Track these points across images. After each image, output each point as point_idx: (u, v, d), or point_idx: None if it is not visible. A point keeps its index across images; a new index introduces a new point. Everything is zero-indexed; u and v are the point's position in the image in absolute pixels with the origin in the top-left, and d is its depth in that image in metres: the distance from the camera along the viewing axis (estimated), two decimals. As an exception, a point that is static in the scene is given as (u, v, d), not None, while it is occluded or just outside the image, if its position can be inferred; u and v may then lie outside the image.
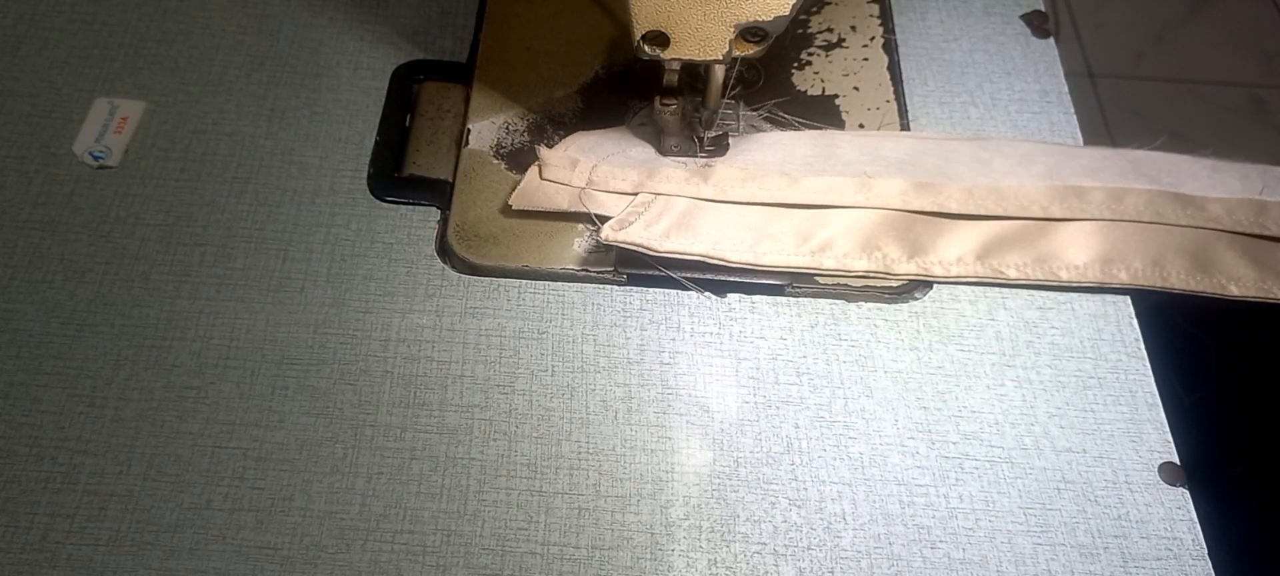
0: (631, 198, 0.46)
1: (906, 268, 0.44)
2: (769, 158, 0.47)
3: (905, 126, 0.50)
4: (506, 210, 0.45)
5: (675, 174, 0.46)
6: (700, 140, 0.48)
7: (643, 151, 0.47)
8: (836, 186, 0.45)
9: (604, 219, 0.44)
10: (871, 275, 0.44)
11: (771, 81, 0.52)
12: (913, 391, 0.42)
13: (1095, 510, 0.39)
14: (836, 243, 0.44)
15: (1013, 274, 0.44)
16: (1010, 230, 0.45)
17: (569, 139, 0.48)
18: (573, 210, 0.45)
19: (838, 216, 0.45)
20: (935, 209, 0.45)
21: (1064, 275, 0.44)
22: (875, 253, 0.44)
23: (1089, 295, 0.45)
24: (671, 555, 0.38)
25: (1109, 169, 0.47)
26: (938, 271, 0.44)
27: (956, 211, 0.45)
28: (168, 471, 0.39)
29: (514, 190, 0.46)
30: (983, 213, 0.45)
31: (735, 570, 0.38)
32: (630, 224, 0.44)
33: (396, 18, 0.54)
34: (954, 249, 0.45)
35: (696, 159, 0.47)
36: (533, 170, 0.46)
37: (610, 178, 0.46)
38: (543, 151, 0.46)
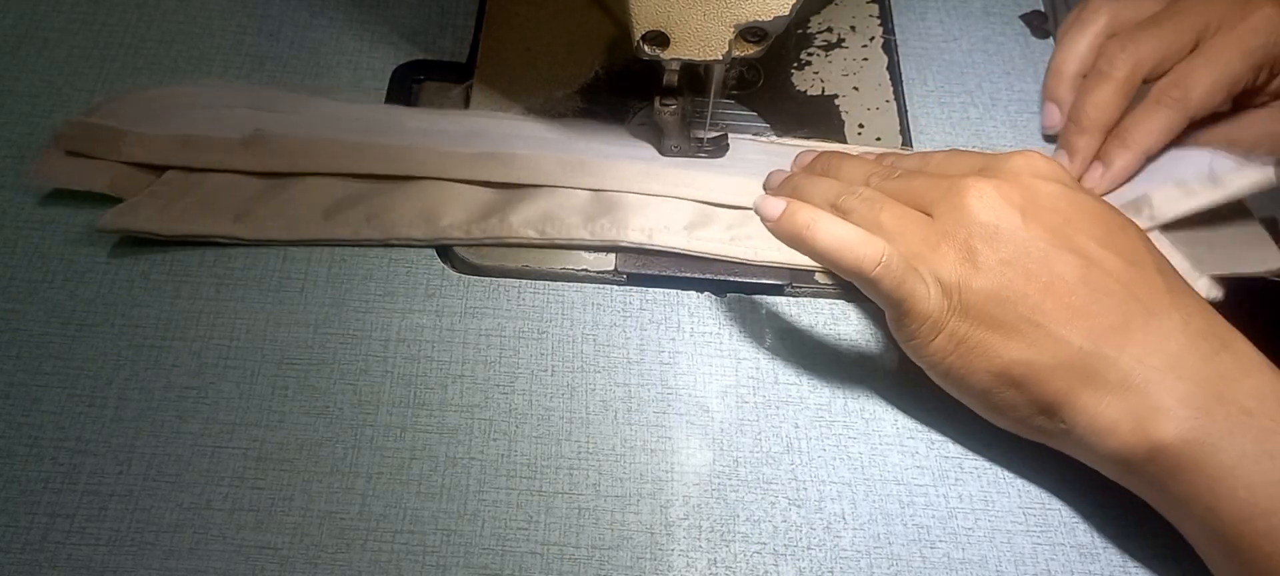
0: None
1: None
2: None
3: (904, 126, 0.50)
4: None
5: (220, 141, 0.45)
6: (699, 140, 0.48)
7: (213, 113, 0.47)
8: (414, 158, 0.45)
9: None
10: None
11: (771, 81, 0.52)
12: (913, 391, 0.42)
13: (1095, 510, 0.39)
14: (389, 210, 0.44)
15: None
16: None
17: (124, 99, 0.47)
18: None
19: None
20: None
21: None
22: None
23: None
24: (671, 555, 0.38)
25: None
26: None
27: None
28: (168, 471, 0.39)
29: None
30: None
31: (735, 569, 0.38)
32: (141, 208, 0.43)
33: (396, 18, 0.54)
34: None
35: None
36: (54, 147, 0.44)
37: (138, 148, 0.44)
38: (69, 122, 0.45)
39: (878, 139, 0.50)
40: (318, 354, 0.42)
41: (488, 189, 0.45)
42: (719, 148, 0.48)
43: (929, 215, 0.38)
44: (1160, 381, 0.34)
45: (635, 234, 0.44)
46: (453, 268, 0.45)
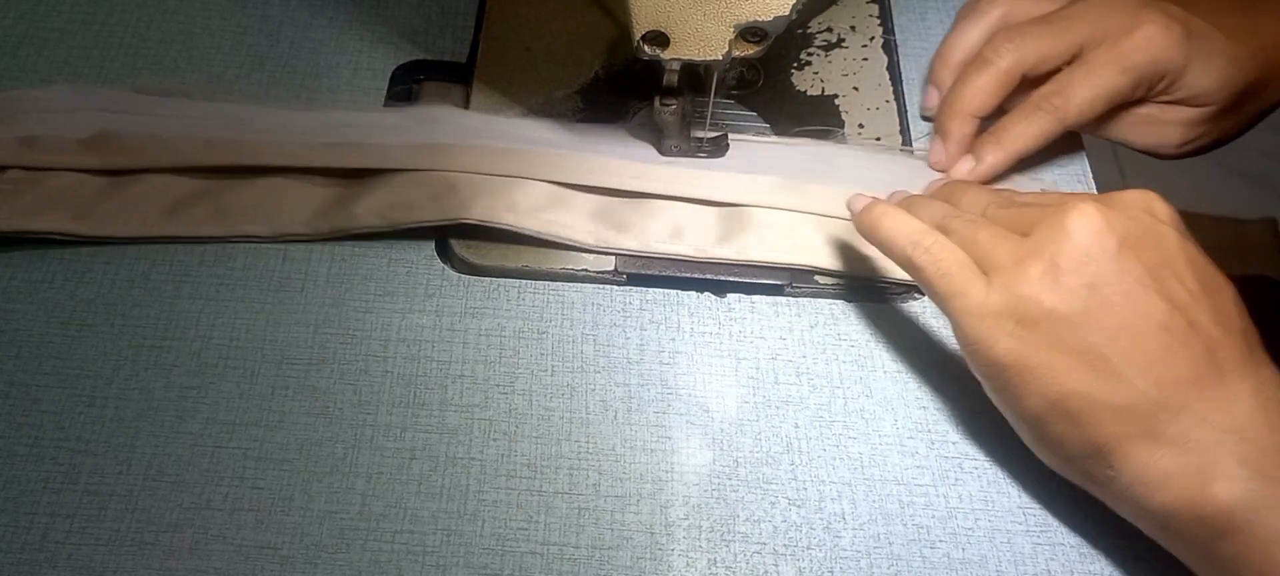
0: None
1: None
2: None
3: (904, 126, 0.50)
4: None
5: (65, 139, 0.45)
6: (699, 140, 0.48)
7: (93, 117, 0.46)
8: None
9: None
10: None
11: (771, 81, 0.52)
12: (913, 391, 0.42)
13: (1095, 510, 0.39)
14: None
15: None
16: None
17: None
18: None
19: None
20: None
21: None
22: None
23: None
24: (671, 555, 0.38)
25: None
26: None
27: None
28: (168, 471, 0.39)
29: None
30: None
31: (735, 569, 0.38)
32: None
33: (396, 18, 0.54)
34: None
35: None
36: None
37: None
38: None
39: (878, 139, 0.50)
40: (318, 354, 0.42)
41: (336, 181, 0.45)
42: (719, 148, 0.48)
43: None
44: (1221, 442, 0.33)
45: (480, 212, 0.43)
46: (453, 268, 0.45)
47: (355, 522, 0.38)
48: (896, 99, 0.51)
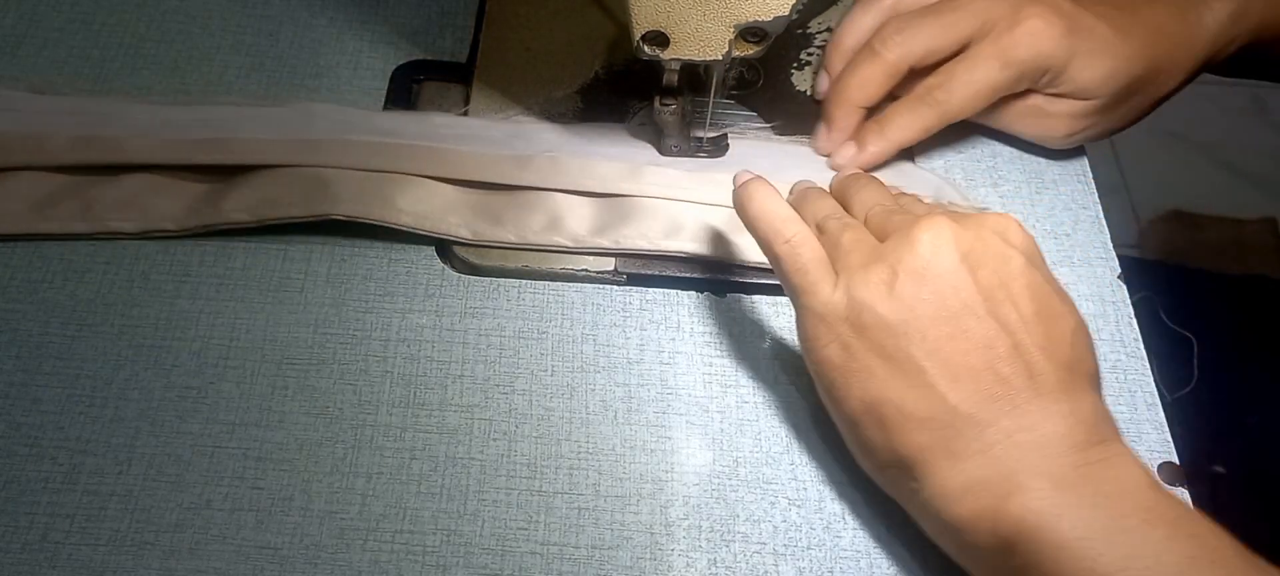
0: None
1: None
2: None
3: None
4: None
5: None
6: (699, 140, 0.48)
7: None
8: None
9: None
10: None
11: (771, 81, 0.52)
12: (912, 391, 0.42)
13: (1095, 510, 0.39)
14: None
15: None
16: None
17: None
18: None
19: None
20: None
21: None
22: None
23: (1088, 297, 0.45)
24: (671, 555, 0.38)
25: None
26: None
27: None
28: (168, 471, 0.39)
29: None
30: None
31: (735, 569, 0.38)
32: None
33: (396, 18, 0.54)
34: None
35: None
36: None
37: None
38: None
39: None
40: (318, 354, 0.42)
41: (206, 177, 0.45)
42: (719, 148, 0.48)
43: None
44: (1023, 458, 0.32)
45: (349, 208, 0.43)
46: (452, 267, 0.45)
47: (355, 522, 0.38)
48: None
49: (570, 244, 0.44)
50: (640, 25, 0.41)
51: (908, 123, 0.46)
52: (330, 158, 0.45)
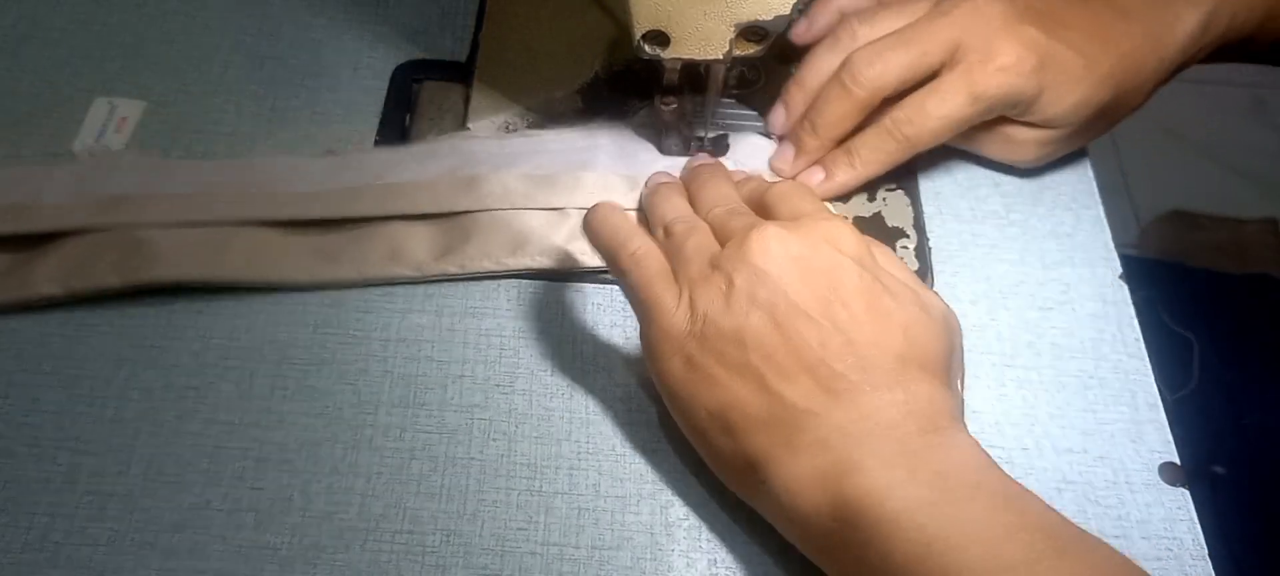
0: None
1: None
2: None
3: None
4: None
5: None
6: (700, 140, 0.48)
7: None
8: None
9: None
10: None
11: (772, 81, 0.52)
12: (913, 391, 0.42)
13: (1095, 510, 0.39)
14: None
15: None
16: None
17: None
18: None
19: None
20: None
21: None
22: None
23: (1090, 297, 0.45)
24: (671, 555, 0.38)
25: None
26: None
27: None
28: (168, 471, 0.39)
29: None
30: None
31: (735, 570, 0.38)
32: None
33: (396, 18, 0.54)
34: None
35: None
36: None
37: None
38: None
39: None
40: (318, 354, 0.42)
41: (8, 248, 0.43)
42: (719, 147, 0.48)
43: None
44: (858, 444, 0.33)
45: (169, 270, 0.41)
46: (453, 267, 0.45)
47: (355, 523, 0.38)
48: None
49: (414, 274, 0.43)
50: (640, 25, 0.41)
51: (876, 156, 0.45)
52: (139, 215, 0.43)
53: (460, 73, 0.51)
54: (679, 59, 0.42)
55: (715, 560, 0.38)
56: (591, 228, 0.40)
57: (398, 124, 0.50)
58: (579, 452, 0.40)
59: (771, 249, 0.36)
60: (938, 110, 0.44)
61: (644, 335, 0.38)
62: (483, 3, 0.54)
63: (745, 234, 0.36)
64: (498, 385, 0.42)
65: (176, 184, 0.45)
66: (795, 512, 0.34)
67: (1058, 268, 0.46)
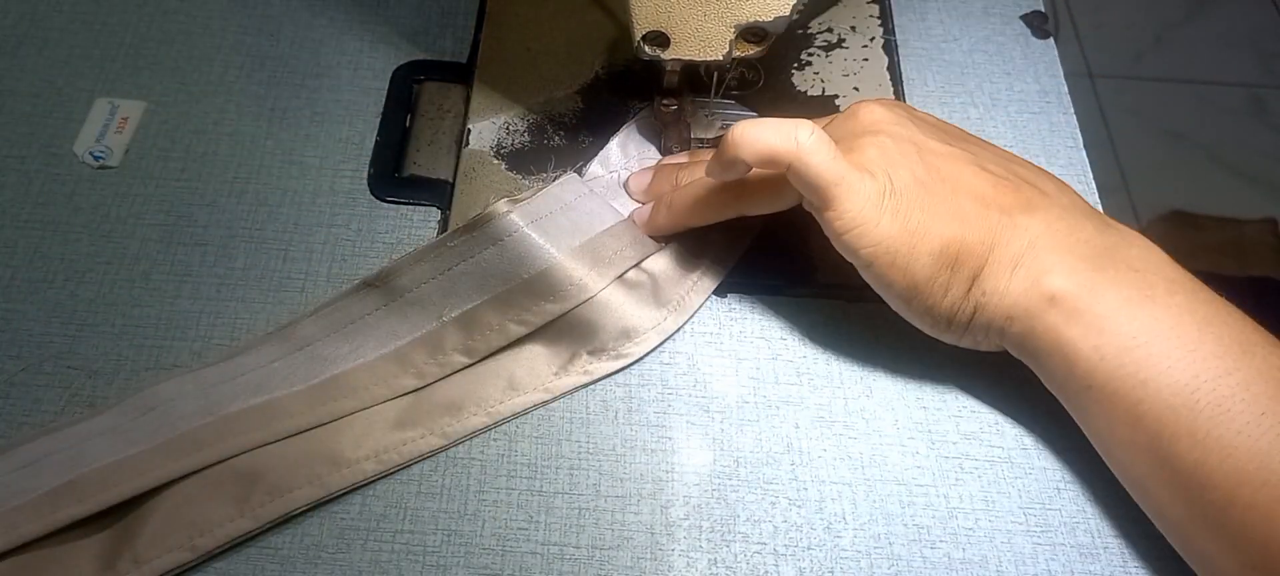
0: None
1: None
2: None
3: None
4: None
5: None
6: (700, 141, 0.48)
7: None
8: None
9: None
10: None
11: (772, 81, 0.52)
12: (913, 391, 0.42)
13: (1095, 510, 0.39)
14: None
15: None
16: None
17: None
18: None
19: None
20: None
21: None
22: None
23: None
24: (671, 555, 0.38)
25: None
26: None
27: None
28: (168, 471, 0.39)
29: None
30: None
31: (735, 570, 0.38)
32: None
33: (396, 18, 0.54)
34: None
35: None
36: None
37: None
38: None
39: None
40: (318, 354, 0.42)
41: (91, 527, 0.37)
42: (719, 148, 0.48)
43: None
44: (1057, 243, 0.37)
45: (300, 495, 0.37)
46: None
47: (355, 522, 0.38)
48: (897, 99, 0.51)
49: (545, 396, 0.41)
50: (641, 25, 0.41)
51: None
52: (230, 439, 0.37)
53: (460, 73, 0.51)
54: (679, 60, 0.42)
55: (715, 560, 0.38)
56: (747, 145, 0.37)
57: (398, 124, 0.50)
58: (579, 452, 0.40)
59: (878, 107, 0.40)
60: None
61: (840, 215, 0.37)
62: (483, 3, 0.54)
63: (844, 116, 0.40)
64: (498, 385, 0.42)
65: (239, 397, 0.39)
66: (1004, 310, 0.37)
67: (1057, 268, 0.46)
